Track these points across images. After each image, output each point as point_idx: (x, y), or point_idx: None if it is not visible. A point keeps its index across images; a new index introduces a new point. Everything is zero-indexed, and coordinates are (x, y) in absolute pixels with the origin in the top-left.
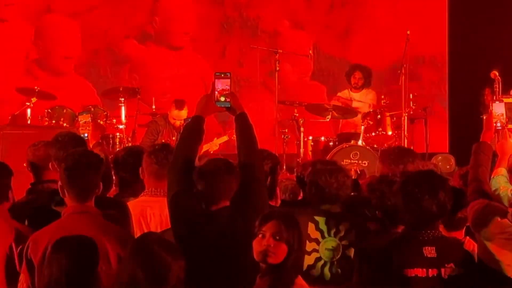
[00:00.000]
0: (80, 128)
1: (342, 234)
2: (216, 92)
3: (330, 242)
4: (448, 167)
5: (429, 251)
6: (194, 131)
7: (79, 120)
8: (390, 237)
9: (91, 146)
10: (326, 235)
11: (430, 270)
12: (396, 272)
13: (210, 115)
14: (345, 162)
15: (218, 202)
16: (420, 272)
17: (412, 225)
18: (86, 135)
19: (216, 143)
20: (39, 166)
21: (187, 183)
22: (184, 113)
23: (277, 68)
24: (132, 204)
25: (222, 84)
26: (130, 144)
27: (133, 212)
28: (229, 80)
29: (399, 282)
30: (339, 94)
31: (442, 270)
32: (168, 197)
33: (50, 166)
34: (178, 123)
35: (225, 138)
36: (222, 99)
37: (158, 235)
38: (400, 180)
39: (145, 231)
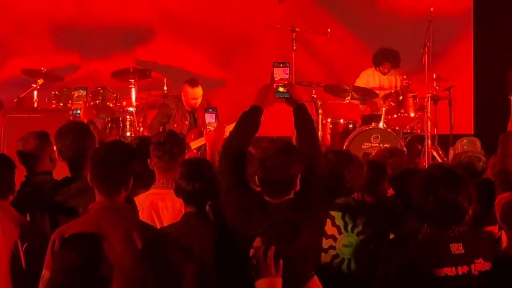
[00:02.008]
0: (73, 103)
1: (359, 229)
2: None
3: (347, 238)
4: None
5: (456, 248)
6: (251, 122)
7: (73, 94)
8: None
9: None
10: (343, 230)
11: (459, 267)
12: (425, 274)
13: (269, 106)
14: (365, 145)
15: (279, 195)
16: (449, 271)
17: (436, 222)
18: (78, 111)
19: (227, 128)
20: (31, 157)
21: (240, 174)
22: (199, 90)
23: (294, 48)
24: (143, 198)
25: (280, 74)
26: (141, 129)
27: (143, 206)
28: (288, 69)
29: (429, 284)
30: (362, 73)
31: (472, 266)
32: (221, 188)
33: (51, 158)
34: (196, 102)
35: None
36: (281, 89)
37: (171, 236)
38: (422, 175)
39: (157, 225)
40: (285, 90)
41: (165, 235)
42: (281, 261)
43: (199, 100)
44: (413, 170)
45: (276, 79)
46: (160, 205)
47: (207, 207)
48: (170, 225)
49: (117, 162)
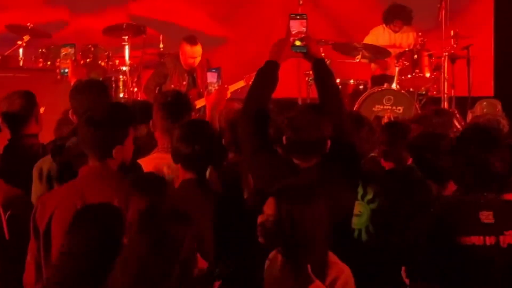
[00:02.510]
0: (60, 61)
1: (370, 196)
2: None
3: (357, 207)
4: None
5: (486, 216)
6: (268, 78)
7: (61, 52)
8: (440, 201)
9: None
10: (368, 196)
11: (487, 238)
12: (451, 241)
13: (285, 61)
14: (377, 108)
15: (310, 158)
16: (477, 240)
17: (467, 187)
18: (66, 70)
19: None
20: (16, 119)
21: (264, 134)
22: (198, 49)
23: (301, 2)
24: (145, 162)
25: (297, 27)
26: (135, 89)
27: (146, 171)
28: (305, 22)
29: (455, 252)
30: (372, 31)
31: (501, 238)
32: (245, 151)
33: (37, 119)
34: (195, 60)
35: (241, 84)
36: (298, 43)
37: (166, 206)
38: (454, 136)
39: None
40: (302, 44)
41: (159, 205)
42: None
43: (198, 59)
44: (433, 133)
45: (293, 32)
46: (165, 170)
47: (209, 172)
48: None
49: (108, 123)
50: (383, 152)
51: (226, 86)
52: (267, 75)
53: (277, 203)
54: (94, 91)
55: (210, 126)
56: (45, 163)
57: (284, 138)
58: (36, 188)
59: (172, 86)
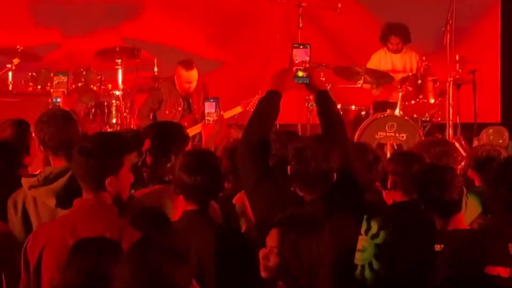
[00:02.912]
0: (52, 90)
1: (374, 231)
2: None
3: (360, 242)
4: (501, 141)
5: None
6: (269, 108)
7: (54, 81)
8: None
9: None
10: (373, 231)
11: None
12: (477, 270)
13: (287, 91)
14: (380, 135)
15: (315, 190)
16: (503, 271)
17: (501, 218)
18: (58, 100)
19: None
20: (7, 148)
21: (266, 165)
22: (194, 73)
23: (300, 25)
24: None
25: (300, 56)
26: (127, 115)
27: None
28: (309, 51)
29: (479, 281)
30: (373, 55)
31: None
32: (245, 182)
33: (32, 150)
34: (191, 86)
35: (238, 110)
36: (300, 74)
37: (159, 239)
38: (495, 164)
39: None
40: (305, 75)
41: (152, 238)
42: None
43: (194, 84)
44: (437, 165)
45: (296, 61)
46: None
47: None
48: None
49: (100, 153)
50: (393, 182)
51: (224, 117)
52: (269, 104)
53: (281, 233)
54: (60, 121)
55: (214, 156)
56: (19, 195)
57: (289, 168)
58: (12, 220)
59: (167, 111)
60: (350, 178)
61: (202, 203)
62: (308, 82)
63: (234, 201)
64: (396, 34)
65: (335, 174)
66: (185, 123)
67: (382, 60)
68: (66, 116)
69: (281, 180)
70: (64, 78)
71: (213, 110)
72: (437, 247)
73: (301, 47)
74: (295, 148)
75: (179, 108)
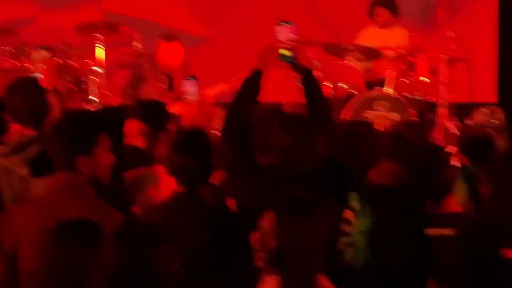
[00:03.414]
0: (34, 65)
1: (365, 215)
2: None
3: (365, 223)
4: (494, 122)
5: None
6: (250, 88)
7: (33, 56)
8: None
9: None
10: (360, 214)
11: None
12: (491, 252)
13: (272, 70)
14: (369, 114)
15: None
16: None
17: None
18: (39, 75)
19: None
20: None
21: (248, 149)
22: (176, 46)
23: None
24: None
25: (286, 35)
26: (108, 92)
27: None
28: (293, 29)
29: (495, 264)
30: (362, 31)
31: None
32: (227, 167)
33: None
34: (171, 60)
35: (223, 87)
36: (286, 52)
37: (147, 223)
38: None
39: None
40: (290, 54)
41: (138, 222)
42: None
43: (175, 58)
44: (429, 146)
45: (280, 40)
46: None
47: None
48: (153, 207)
49: (70, 130)
50: (384, 166)
51: (207, 100)
52: (250, 84)
53: (278, 217)
54: (27, 90)
55: (208, 137)
56: None
57: (271, 157)
58: None
59: (149, 89)
60: (336, 163)
61: (193, 185)
62: (293, 61)
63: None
64: (382, 4)
65: (320, 162)
66: (168, 101)
67: (371, 36)
68: (32, 85)
69: (264, 162)
70: (45, 53)
71: (195, 90)
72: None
73: (287, 24)
74: (274, 135)
75: (161, 85)
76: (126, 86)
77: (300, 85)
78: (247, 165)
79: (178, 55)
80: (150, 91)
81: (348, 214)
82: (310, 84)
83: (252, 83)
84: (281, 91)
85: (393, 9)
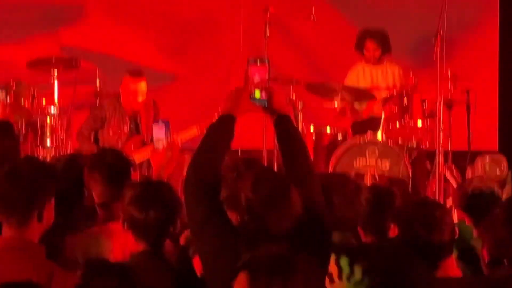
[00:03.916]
0: None
1: (358, 278)
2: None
3: None
4: (498, 171)
5: None
6: (222, 135)
7: None
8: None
9: None
10: (335, 278)
11: None
12: None
13: (243, 115)
14: (359, 163)
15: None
16: None
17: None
18: None
19: (178, 139)
20: None
21: (215, 202)
22: (143, 85)
23: (267, 34)
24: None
25: (257, 74)
26: (63, 136)
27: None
28: (267, 68)
29: None
30: (350, 71)
31: None
32: (192, 223)
33: None
34: (139, 99)
35: (193, 132)
36: (258, 94)
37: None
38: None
39: None
40: (263, 96)
41: (90, 283)
42: None
43: (141, 97)
44: (426, 201)
45: (253, 80)
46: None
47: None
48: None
49: (33, 178)
50: (364, 223)
51: (177, 144)
52: (221, 130)
53: (251, 278)
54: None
55: (169, 188)
56: None
57: (240, 218)
58: None
59: (111, 132)
60: (313, 214)
61: (155, 242)
62: (266, 104)
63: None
64: (372, 37)
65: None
66: (132, 145)
67: (360, 74)
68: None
69: (234, 217)
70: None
71: (163, 135)
72: None
73: (259, 62)
74: (247, 199)
75: (125, 129)
76: (84, 129)
77: (274, 130)
78: (215, 221)
79: (143, 94)
80: (113, 136)
81: (341, 276)
82: (286, 130)
83: (222, 128)
84: (256, 137)
85: (384, 43)
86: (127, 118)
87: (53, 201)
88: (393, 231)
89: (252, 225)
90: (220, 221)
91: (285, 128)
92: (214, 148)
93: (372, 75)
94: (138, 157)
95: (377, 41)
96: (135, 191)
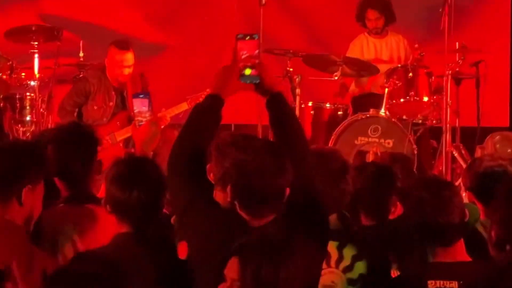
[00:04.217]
0: None
1: (347, 263)
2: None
3: (330, 275)
4: (509, 150)
5: None
6: (208, 116)
7: None
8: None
9: None
10: (324, 265)
11: None
12: None
13: (231, 95)
14: (360, 140)
15: (264, 212)
16: None
17: None
18: None
19: (167, 114)
20: None
21: (201, 185)
22: (130, 56)
23: (263, 2)
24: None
25: (247, 50)
26: (44, 112)
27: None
28: (257, 43)
29: None
30: (353, 42)
31: None
32: (175, 210)
33: None
34: (126, 71)
35: (183, 107)
36: (248, 72)
37: (83, 268)
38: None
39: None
40: (254, 73)
41: (73, 268)
42: None
43: (129, 70)
44: (436, 179)
45: (241, 57)
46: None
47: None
48: (92, 251)
49: (19, 154)
50: (367, 204)
51: (159, 118)
52: (208, 112)
53: (242, 263)
54: None
55: (154, 165)
56: None
57: (229, 186)
58: None
59: (95, 107)
60: (310, 196)
61: (139, 225)
62: (257, 82)
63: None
64: (373, 6)
65: (287, 191)
66: (118, 122)
67: (363, 47)
68: None
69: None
70: None
71: (146, 109)
72: (431, 284)
73: (248, 38)
74: (236, 159)
75: (111, 103)
76: (67, 103)
77: (267, 109)
78: (200, 205)
79: (131, 66)
80: (97, 110)
81: (330, 262)
82: (278, 109)
83: (209, 111)
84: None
85: (387, 12)
86: (113, 92)
87: (39, 188)
88: (399, 210)
89: (240, 199)
90: (206, 204)
91: (278, 109)
92: (199, 131)
93: (376, 47)
94: (124, 133)
95: (379, 10)
96: (117, 169)
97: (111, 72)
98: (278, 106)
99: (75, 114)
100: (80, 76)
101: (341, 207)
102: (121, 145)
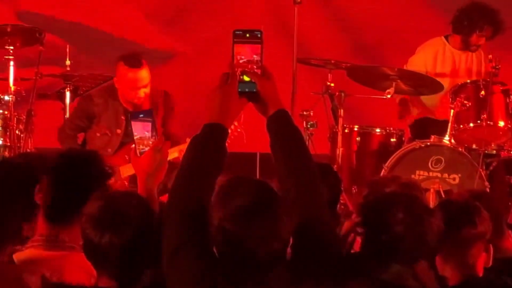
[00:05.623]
0: None
1: None
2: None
3: None
4: None
5: None
6: (209, 153)
7: None
8: None
9: None
10: None
11: None
12: None
13: (235, 117)
14: (419, 175)
15: (255, 277)
16: None
17: None
18: None
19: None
20: None
21: (199, 235)
22: (145, 74)
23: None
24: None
25: (245, 54)
26: (22, 134)
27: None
28: (260, 45)
29: None
30: (423, 47)
31: None
32: (165, 256)
33: None
34: (141, 92)
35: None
36: (247, 78)
37: None
38: None
39: None
40: (252, 80)
41: None
42: None
43: (146, 89)
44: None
45: (240, 61)
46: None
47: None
48: None
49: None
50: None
51: (165, 143)
52: (208, 146)
53: None
54: None
55: (142, 201)
56: None
57: (215, 249)
58: None
59: (98, 134)
60: (319, 235)
61: (120, 276)
62: (254, 90)
63: None
64: (491, 23)
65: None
66: (126, 155)
67: (439, 54)
68: None
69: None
70: None
71: (149, 134)
72: None
73: (248, 36)
74: (219, 218)
75: (118, 131)
76: (68, 127)
77: (267, 131)
78: (191, 248)
79: (147, 86)
80: (100, 137)
81: None
82: (280, 131)
83: (209, 144)
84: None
85: (498, 27)
86: (122, 116)
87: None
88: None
89: (229, 251)
90: (199, 249)
91: (280, 128)
92: (200, 173)
93: (455, 59)
94: (126, 168)
95: (494, 28)
96: (93, 206)
97: (123, 94)
98: (279, 126)
99: (78, 139)
100: (86, 94)
101: (420, 258)
102: (126, 183)
